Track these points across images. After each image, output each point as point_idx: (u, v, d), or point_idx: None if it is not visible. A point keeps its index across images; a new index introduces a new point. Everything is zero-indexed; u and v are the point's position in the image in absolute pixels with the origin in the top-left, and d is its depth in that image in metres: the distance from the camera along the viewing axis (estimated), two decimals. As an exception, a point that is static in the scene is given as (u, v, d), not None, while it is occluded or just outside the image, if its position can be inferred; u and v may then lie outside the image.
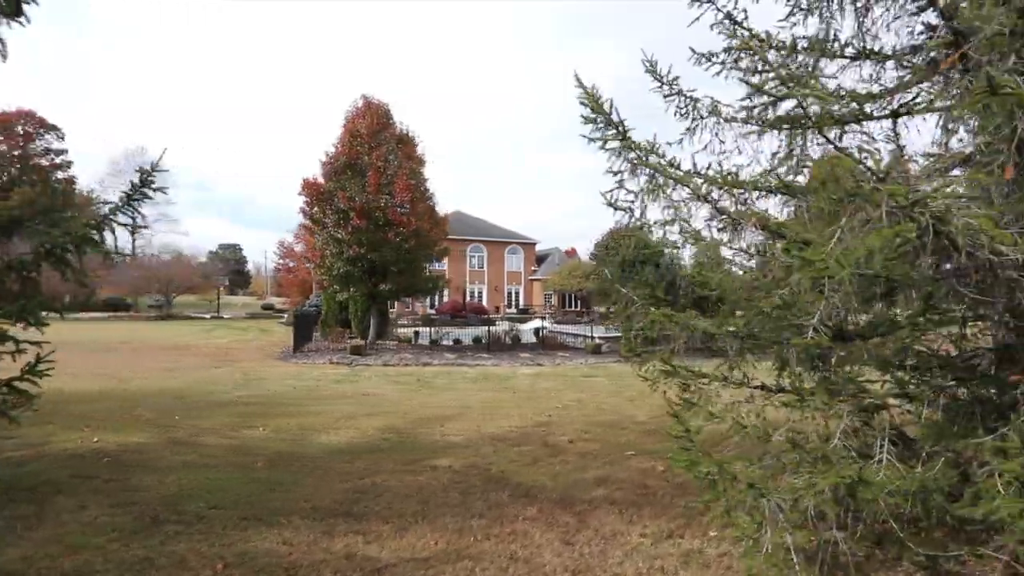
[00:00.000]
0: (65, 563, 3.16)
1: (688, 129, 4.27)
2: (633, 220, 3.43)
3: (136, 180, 4.42)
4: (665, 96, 4.25)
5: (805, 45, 4.22)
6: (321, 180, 16.71)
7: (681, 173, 3.77)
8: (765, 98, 2.52)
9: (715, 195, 3.93)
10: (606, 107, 3.37)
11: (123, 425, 6.52)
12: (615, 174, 3.51)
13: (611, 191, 3.42)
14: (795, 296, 2.90)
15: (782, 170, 3.12)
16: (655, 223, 3.52)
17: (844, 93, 4.25)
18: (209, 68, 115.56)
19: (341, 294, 17.68)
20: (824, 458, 3.19)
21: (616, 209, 3.42)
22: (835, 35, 4.28)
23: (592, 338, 18.72)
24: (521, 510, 4.16)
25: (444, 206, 20.92)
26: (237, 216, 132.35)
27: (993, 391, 3.20)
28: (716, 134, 4.23)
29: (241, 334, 24.21)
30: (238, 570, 3.12)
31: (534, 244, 47.69)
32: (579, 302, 40.97)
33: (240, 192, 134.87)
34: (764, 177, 3.77)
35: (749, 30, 4.14)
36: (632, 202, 3.78)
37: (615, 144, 3.36)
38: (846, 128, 4.55)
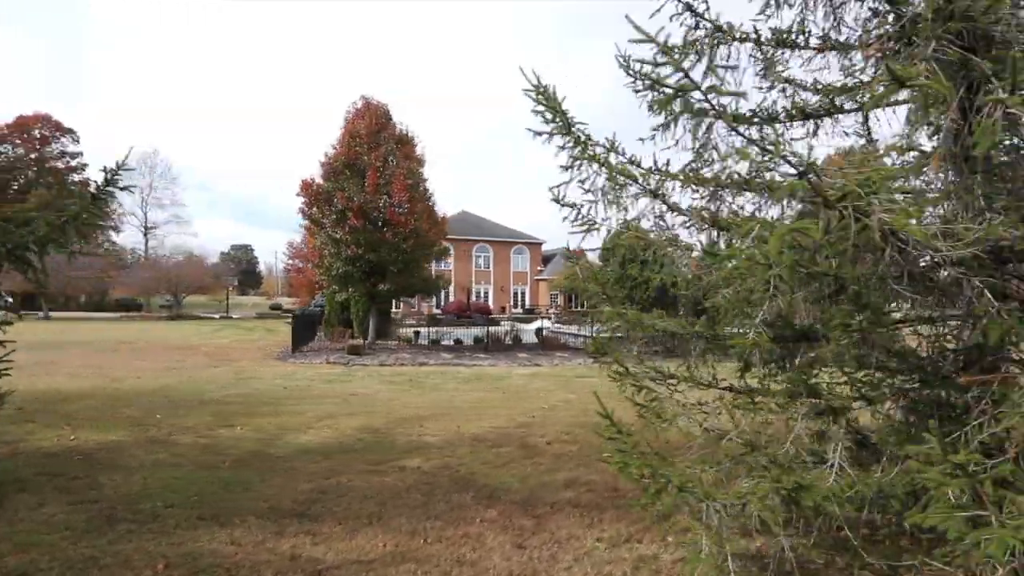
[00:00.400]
0: (10, 561, 3.16)
1: (661, 125, 4.19)
2: (580, 217, 3.35)
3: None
4: (637, 91, 4.17)
5: (769, 36, 4.12)
6: (321, 181, 16.79)
7: (641, 170, 3.69)
8: (666, 91, 2.43)
9: (676, 192, 3.84)
10: (553, 101, 3.29)
11: (104, 424, 6.57)
12: (566, 169, 3.44)
13: (558, 186, 3.34)
14: (739, 294, 2.81)
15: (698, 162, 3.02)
16: (604, 220, 3.43)
17: (820, 87, 4.15)
18: (210, 68, 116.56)
19: (340, 294, 17.76)
20: (775, 462, 3.09)
21: (562, 206, 3.34)
22: (799, 26, 4.18)
23: (592, 338, 18.58)
24: (481, 512, 4.10)
25: (445, 206, 20.95)
26: (250, 217, 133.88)
27: (955, 394, 3.08)
28: (688, 130, 4.14)
29: (247, 334, 24.43)
30: (178, 570, 3.10)
31: (540, 244, 47.55)
32: (582, 303, 40.77)
33: (252, 193, 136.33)
34: (716, 171, 3.67)
35: (712, 21, 4.04)
36: (593, 200, 3.70)
37: (563, 139, 3.28)
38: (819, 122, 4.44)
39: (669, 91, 2.28)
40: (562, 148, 3.34)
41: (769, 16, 4.24)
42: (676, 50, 4.41)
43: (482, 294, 43.47)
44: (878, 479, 2.89)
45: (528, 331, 21.47)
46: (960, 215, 2.42)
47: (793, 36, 4.02)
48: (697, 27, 4.15)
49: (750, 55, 4.16)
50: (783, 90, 4.23)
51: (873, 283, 2.45)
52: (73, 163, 47.95)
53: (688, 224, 3.48)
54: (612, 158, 3.67)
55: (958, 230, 1.89)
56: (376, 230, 15.98)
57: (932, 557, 2.62)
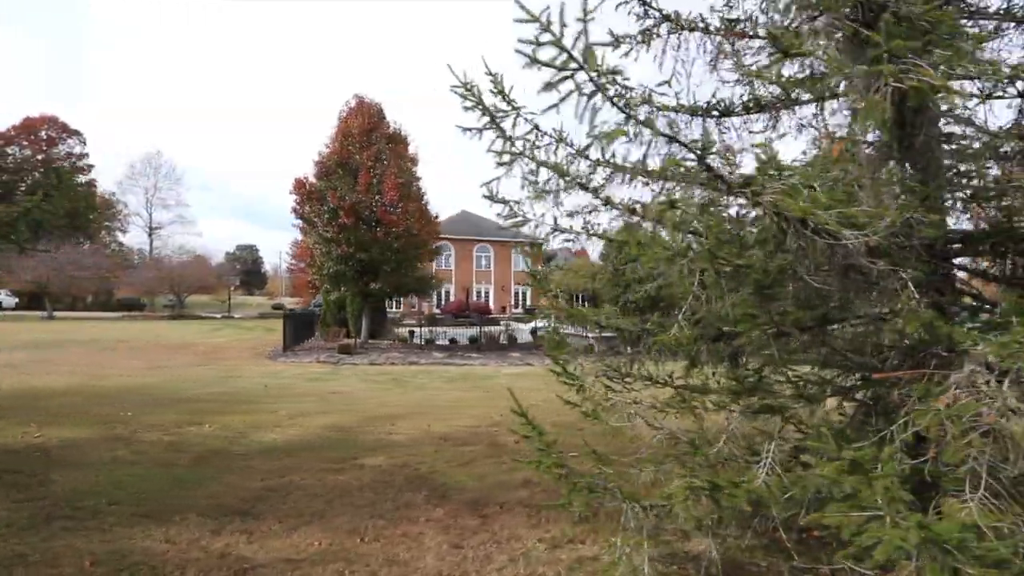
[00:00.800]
0: (-64, 559, 3.14)
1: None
2: (510, 214, 3.28)
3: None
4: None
5: (718, 26, 4.03)
6: (314, 180, 16.82)
7: (589, 162, 3.61)
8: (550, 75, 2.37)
9: (626, 185, 3.76)
10: (478, 94, 3.21)
11: (74, 421, 6.59)
12: (499, 165, 3.36)
13: (490, 182, 3.27)
14: (661, 289, 2.73)
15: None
16: (540, 216, 3.36)
17: (784, 79, 4.05)
18: (210, 68, 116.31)
19: (332, 293, 17.78)
20: (708, 462, 3.01)
21: (493, 202, 3.27)
22: (762, 12, 4.09)
23: (586, 337, 18.49)
24: (429, 511, 4.05)
25: (444, 206, 20.95)
26: (254, 217, 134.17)
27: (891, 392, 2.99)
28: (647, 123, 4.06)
29: (245, 333, 24.53)
30: (103, 568, 3.06)
31: (541, 244, 47.41)
32: (586, 302, 40.66)
33: (255, 193, 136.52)
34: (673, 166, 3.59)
35: (660, 11, 3.97)
36: (529, 196, 3.63)
37: (493, 134, 3.21)
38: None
39: (553, 70, 2.21)
40: (495, 139, 3.27)
41: (732, 7, 4.16)
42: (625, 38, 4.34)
43: (483, 294, 43.44)
44: (815, 480, 2.80)
45: (524, 330, 21.42)
46: (877, 203, 2.33)
47: (743, 26, 3.94)
48: (646, 15, 4.08)
49: (698, 45, 4.08)
50: (750, 83, 4.15)
51: (790, 275, 2.36)
52: (79, 164, 48.41)
53: (620, 218, 3.40)
54: (561, 149, 3.61)
55: (863, 218, 1.81)
56: (368, 229, 15.99)
57: (837, 559, 2.54)
